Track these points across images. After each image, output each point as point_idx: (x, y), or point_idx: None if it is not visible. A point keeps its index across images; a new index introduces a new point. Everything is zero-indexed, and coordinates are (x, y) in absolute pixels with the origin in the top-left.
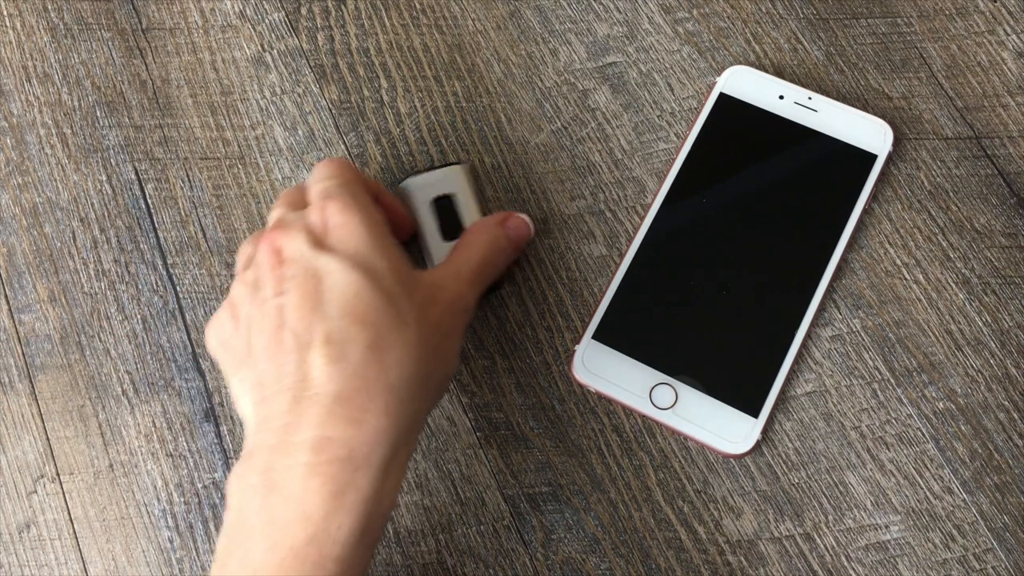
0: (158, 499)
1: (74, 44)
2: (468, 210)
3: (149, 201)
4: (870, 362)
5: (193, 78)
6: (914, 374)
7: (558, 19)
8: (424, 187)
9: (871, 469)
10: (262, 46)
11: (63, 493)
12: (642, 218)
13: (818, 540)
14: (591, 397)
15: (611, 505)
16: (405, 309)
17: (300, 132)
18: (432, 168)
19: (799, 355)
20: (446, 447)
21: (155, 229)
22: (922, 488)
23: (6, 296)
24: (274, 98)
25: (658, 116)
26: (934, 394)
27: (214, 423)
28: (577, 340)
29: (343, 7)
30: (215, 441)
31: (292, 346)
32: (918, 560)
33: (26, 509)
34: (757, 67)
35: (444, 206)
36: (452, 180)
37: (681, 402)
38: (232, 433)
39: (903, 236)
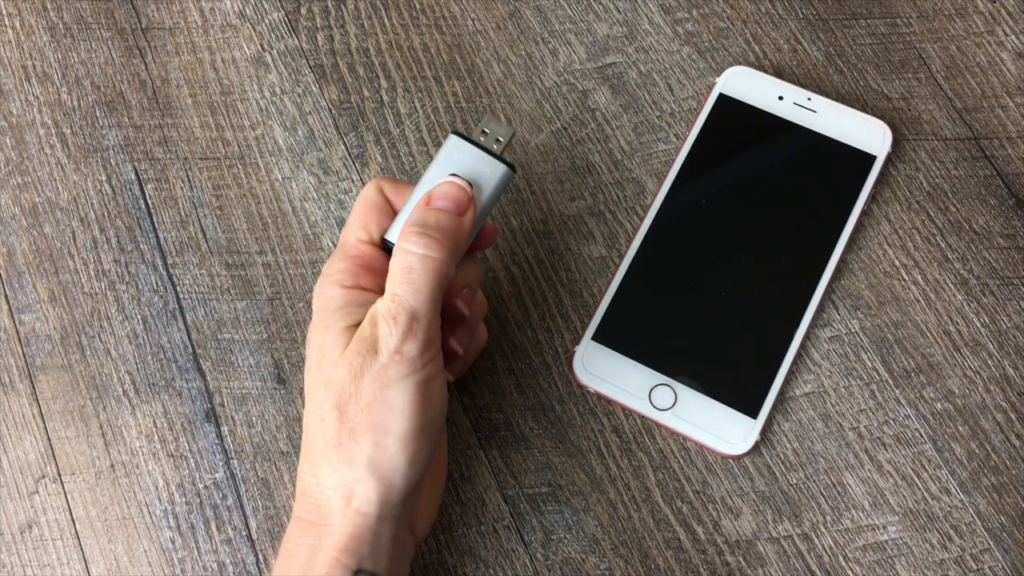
0: (159, 499)
1: (74, 44)
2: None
3: (149, 201)
4: (868, 363)
5: (193, 78)
6: (912, 375)
7: (558, 19)
8: (461, 158)
9: (869, 470)
10: (262, 46)
11: (64, 493)
12: (642, 219)
13: (816, 540)
14: (591, 398)
15: (610, 505)
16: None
17: (300, 132)
18: (487, 151)
19: (798, 356)
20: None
21: (155, 229)
22: (920, 488)
23: (6, 296)
24: (274, 98)
25: (658, 117)
26: (932, 395)
27: (215, 423)
28: (577, 341)
29: (343, 7)
30: (216, 441)
31: None
32: (915, 560)
33: (28, 509)
34: (757, 67)
35: None
36: (488, 176)
37: (680, 403)
38: (232, 433)
39: (902, 237)
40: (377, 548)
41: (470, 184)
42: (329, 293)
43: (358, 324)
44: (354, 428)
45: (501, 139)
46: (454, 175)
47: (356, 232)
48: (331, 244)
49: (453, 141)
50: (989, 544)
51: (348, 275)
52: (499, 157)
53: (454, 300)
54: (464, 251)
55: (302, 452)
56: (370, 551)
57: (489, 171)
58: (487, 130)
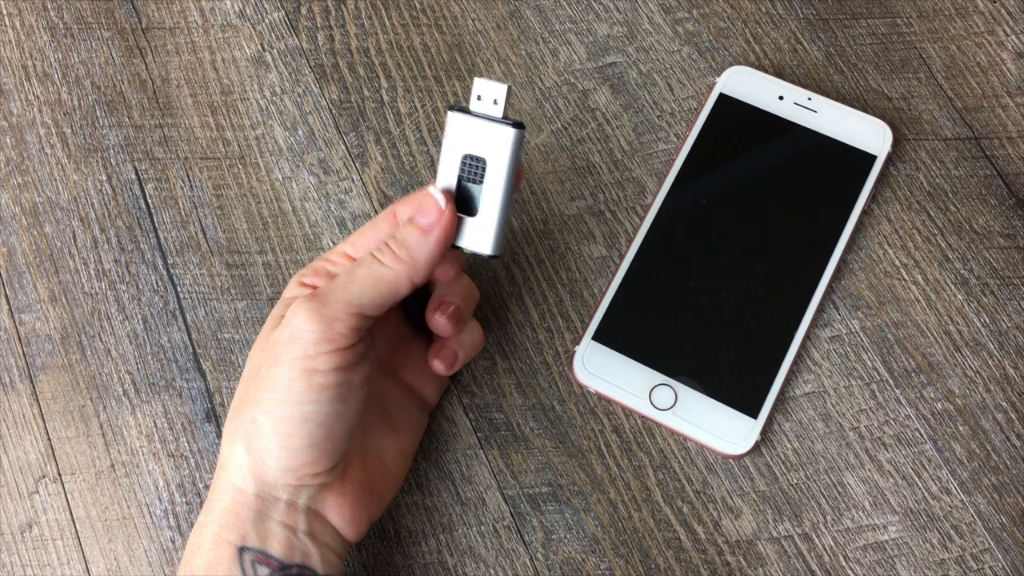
0: (160, 499)
1: (74, 43)
2: (493, 187)
3: (149, 201)
4: (869, 363)
5: (193, 78)
6: (912, 375)
7: (558, 19)
8: (467, 135)
9: (869, 469)
10: (262, 46)
11: (65, 493)
12: (642, 219)
13: (816, 540)
14: (591, 398)
15: (611, 505)
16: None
17: (300, 132)
18: (488, 118)
19: (798, 356)
20: (446, 447)
21: (155, 229)
22: (920, 488)
23: (6, 296)
24: (274, 98)
25: (658, 116)
26: (932, 395)
27: (215, 423)
28: (577, 341)
29: (343, 7)
30: (216, 442)
31: None
32: (916, 560)
33: (28, 509)
34: (757, 67)
35: (471, 169)
36: (497, 142)
37: (681, 403)
38: None
39: (902, 237)
40: (262, 528)
41: (454, 193)
42: (289, 285)
43: None
44: (245, 400)
45: (498, 100)
46: (447, 183)
47: (348, 244)
48: (331, 244)
49: (452, 118)
50: (989, 544)
51: (311, 274)
52: (501, 120)
53: (433, 313)
54: (430, 266)
55: None
56: (254, 529)
57: (498, 138)
58: (481, 95)
